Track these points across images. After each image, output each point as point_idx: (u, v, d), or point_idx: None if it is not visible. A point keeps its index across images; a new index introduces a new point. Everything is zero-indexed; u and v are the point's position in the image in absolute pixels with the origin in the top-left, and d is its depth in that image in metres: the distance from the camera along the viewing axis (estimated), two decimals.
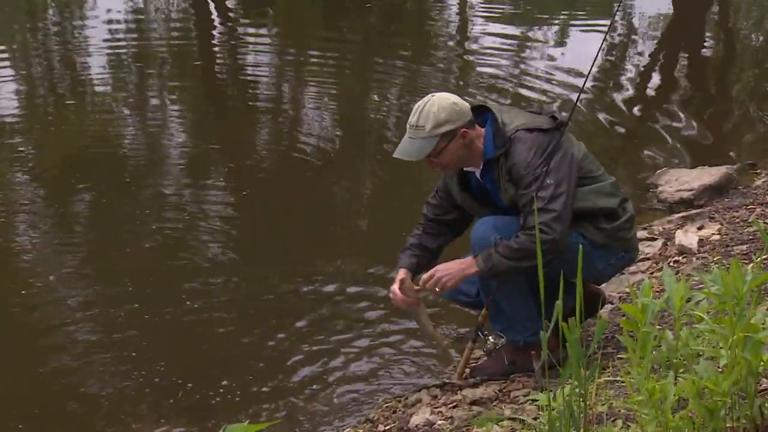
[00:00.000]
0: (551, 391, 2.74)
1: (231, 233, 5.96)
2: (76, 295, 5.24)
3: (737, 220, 5.21)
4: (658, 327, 2.73)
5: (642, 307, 2.50)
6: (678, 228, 5.28)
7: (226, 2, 12.00)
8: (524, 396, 3.74)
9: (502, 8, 11.55)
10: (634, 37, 10.49)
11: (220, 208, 6.29)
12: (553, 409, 2.63)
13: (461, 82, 8.91)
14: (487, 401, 3.80)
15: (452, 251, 4.08)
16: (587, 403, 2.56)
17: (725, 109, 8.15)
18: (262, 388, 4.42)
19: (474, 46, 10.13)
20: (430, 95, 3.80)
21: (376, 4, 11.96)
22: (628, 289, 4.29)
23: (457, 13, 11.70)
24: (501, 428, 3.30)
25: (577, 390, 2.53)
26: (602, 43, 4.31)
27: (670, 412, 2.38)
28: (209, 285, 5.30)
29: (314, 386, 4.46)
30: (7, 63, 9.51)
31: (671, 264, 4.80)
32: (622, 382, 2.96)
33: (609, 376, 3.33)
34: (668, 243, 5.12)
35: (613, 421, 2.82)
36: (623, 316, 3.86)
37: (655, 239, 5.21)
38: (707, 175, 6.02)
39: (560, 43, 10.21)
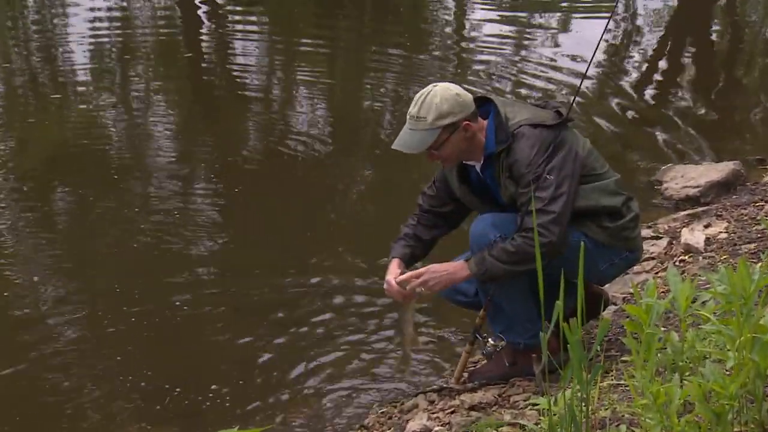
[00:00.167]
0: (552, 395, 2.70)
1: (221, 231, 5.87)
2: (59, 295, 5.14)
3: (745, 218, 5.17)
4: (662, 328, 2.76)
5: (646, 307, 2.50)
6: (684, 226, 5.23)
7: None
8: (524, 400, 3.69)
9: None
10: (639, 25, 10.49)
11: (210, 203, 6.21)
12: (554, 414, 2.61)
13: (459, 70, 8.84)
14: (486, 406, 3.75)
15: (452, 250, 4.01)
16: (589, 407, 2.53)
17: (733, 103, 8.10)
18: (253, 393, 4.32)
19: (474, 34, 10.10)
20: (431, 85, 3.70)
21: None
22: (631, 290, 4.23)
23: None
24: None
25: (578, 394, 2.50)
26: (603, 33, 4.20)
27: (676, 416, 2.37)
28: (198, 285, 5.21)
29: (307, 391, 4.37)
30: None
31: (677, 263, 4.76)
32: (626, 385, 2.97)
33: (612, 380, 3.31)
34: (674, 241, 5.08)
35: (617, 425, 2.78)
36: (627, 317, 3.82)
37: (660, 238, 5.18)
38: (714, 171, 5.97)
39: (564, 29, 10.18)
